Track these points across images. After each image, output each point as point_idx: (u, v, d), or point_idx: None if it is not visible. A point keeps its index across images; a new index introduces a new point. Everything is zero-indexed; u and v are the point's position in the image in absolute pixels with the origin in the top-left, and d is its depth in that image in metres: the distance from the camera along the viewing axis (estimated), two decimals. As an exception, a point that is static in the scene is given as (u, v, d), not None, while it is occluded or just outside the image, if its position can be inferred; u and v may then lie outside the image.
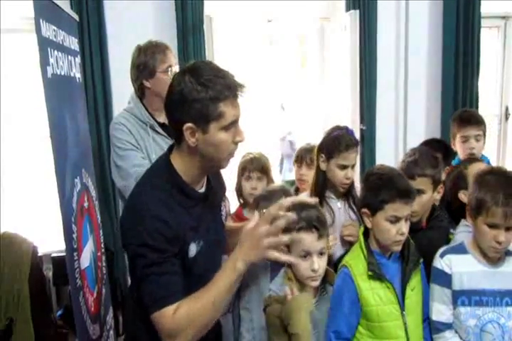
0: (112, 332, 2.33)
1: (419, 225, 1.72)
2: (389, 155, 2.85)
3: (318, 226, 1.39)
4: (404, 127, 3.06)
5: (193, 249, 1.20)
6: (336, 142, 1.80)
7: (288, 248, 1.39)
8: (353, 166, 1.82)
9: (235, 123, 1.16)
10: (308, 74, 3.17)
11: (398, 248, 1.46)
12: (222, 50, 2.86)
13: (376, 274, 1.43)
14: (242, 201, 2.12)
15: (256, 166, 2.05)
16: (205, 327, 1.14)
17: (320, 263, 1.39)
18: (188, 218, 1.19)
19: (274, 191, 1.78)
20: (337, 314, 1.44)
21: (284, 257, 1.15)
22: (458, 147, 2.31)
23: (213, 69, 1.15)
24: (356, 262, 1.47)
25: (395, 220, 1.42)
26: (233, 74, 1.17)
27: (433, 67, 3.11)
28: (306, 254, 1.39)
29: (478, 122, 2.27)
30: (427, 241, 1.62)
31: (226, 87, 1.12)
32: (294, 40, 4.34)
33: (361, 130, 2.94)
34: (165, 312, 1.11)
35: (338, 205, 1.85)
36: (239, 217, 2.09)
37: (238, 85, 1.15)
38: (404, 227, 1.43)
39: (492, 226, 1.42)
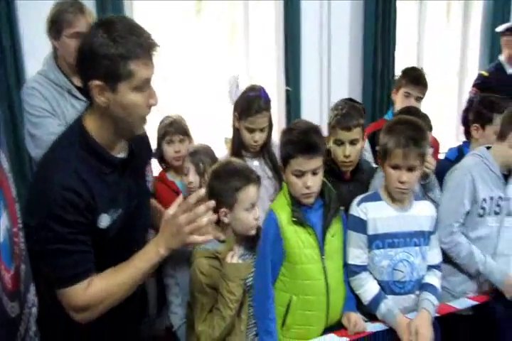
0: (34, 309, 2.23)
1: (345, 177, 1.80)
2: (314, 115, 2.89)
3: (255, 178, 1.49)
4: (328, 89, 3.12)
5: (105, 220, 1.15)
6: (246, 105, 1.81)
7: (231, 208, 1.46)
8: (262, 129, 1.83)
9: (147, 84, 1.11)
10: (235, 38, 3.11)
11: (308, 200, 1.51)
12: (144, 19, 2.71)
13: (299, 220, 1.49)
14: (164, 165, 2.08)
15: (177, 129, 1.99)
16: (116, 303, 1.13)
17: (255, 215, 1.48)
18: (102, 186, 1.13)
19: (197, 150, 1.82)
20: (263, 255, 1.50)
21: (203, 239, 1.12)
22: (398, 101, 2.42)
23: (128, 25, 1.09)
24: (282, 208, 1.53)
25: (301, 174, 1.47)
26: (150, 33, 1.10)
27: (354, 30, 3.18)
28: (252, 206, 1.47)
29: (423, 84, 2.39)
30: (348, 192, 1.69)
31: (139, 45, 1.06)
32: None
33: (287, 91, 2.96)
34: (75, 290, 1.09)
35: (254, 163, 1.88)
36: (163, 180, 2.05)
37: (152, 44, 1.09)
38: (311, 181, 1.47)
39: (395, 167, 1.51)
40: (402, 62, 3.26)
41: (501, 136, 1.71)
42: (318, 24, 3.10)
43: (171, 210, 1.11)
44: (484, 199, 1.68)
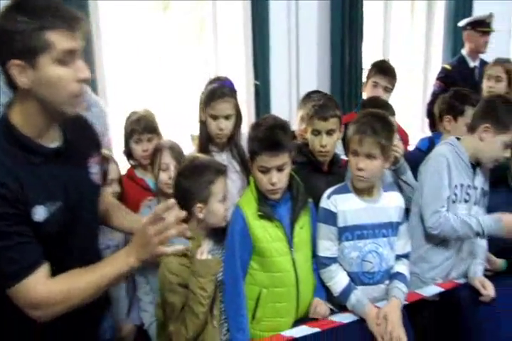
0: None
1: (323, 169, 1.82)
2: (283, 109, 2.90)
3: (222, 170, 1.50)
4: (297, 83, 3.13)
5: (41, 212, 1.06)
6: (209, 93, 1.82)
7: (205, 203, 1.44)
8: (227, 117, 1.83)
9: (71, 56, 1.02)
10: (203, 33, 3.07)
11: (274, 196, 1.52)
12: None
13: (265, 214, 1.50)
14: (132, 163, 2.03)
15: (145, 127, 1.93)
16: (76, 306, 1.07)
17: (227, 206, 1.50)
18: (32, 177, 1.05)
19: (174, 145, 1.80)
20: (231, 251, 1.50)
21: (172, 251, 1.10)
22: (366, 91, 2.49)
23: (44, 1, 1.01)
24: (248, 203, 1.53)
25: (266, 170, 1.48)
26: (71, 9, 1.03)
27: (321, 24, 3.20)
28: (224, 197, 1.49)
29: (390, 74, 2.44)
30: (326, 185, 1.69)
31: (56, 17, 0.99)
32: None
33: (255, 85, 2.96)
34: (25, 285, 1.02)
35: (222, 157, 1.87)
36: (131, 178, 2.00)
37: (73, 17, 1.02)
38: (275, 177, 1.47)
39: (354, 153, 1.54)
40: (369, 57, 3.31)
41: (471, 129, 1.75)
42: (286, 18, 3.10)
43: (143, 222, 1.07)
44: (456, 186, 1.71)
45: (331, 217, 1.58)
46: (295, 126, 2.17)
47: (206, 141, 1.88)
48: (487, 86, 2.73)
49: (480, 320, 1.68)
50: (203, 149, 1.86)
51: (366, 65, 3.25)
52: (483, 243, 1.79)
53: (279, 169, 1.48)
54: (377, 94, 2.38)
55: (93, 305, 1.11)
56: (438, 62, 3.67)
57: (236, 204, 1.55)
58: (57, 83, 1.02)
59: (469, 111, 1.98)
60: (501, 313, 1.68)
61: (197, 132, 1.94)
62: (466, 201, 1.73)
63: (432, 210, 1.67)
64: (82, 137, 1.22)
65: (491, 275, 1.75)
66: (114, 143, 2.20)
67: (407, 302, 1.59)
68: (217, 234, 1.53)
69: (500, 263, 1.80)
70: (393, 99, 2.54)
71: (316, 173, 1.80)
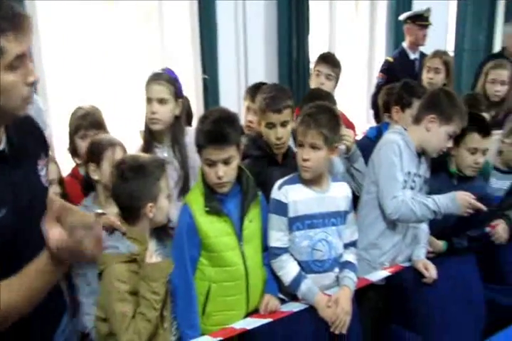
0: None
1: (277, 161, 1.82)
2: (232, 102, 2.90)
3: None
4: (245, 76, 3.14)
5: None
6: (147, 78, 1.80)
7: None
8: (161, 101, 1.77)
9: (21, 59, 0.96)
10: (149, 27, 2.99)
11: (222, 190, 1.51)
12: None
13: (212, 209, 1.49)
14: (77, 161, 1.95)
15: (91, 122, 1.86)
16: (12, 319, 0.96)
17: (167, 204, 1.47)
18: None
19: (112, 143, 1.71)
20: (180, 248, 1.48)
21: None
22: (311, 81, 2.54)
23: None
24: (196, 199, 1.51)
25: (212, 164, 1.47)
26: (13, 4, 0.96)
27: (268, 18, 3.22)
28: (170, 193, 1.47)
29: (332, 62, 2.48)
30: (281, 176, 1.69)
31: (4, 19, 0.92)
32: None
33: (204, 79, 2.93)
34: None
35: (163, 154, 1.82)
36: (76, 176, 1.93)
37: (19, 15, 0.95)
38: (222, 171, 1.46)
39: (300, 145, 1.56)
40: (316, 51, 3.37)
41: (417, 120, 1.81)
42: (233, 12, 3.10)
43: (56, 237, 0.93)
44: (405, 174, 1.76)
45: (282, 208, 1.59)
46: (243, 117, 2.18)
47: (150, 136, 1.82)
48: (427, 77, 2.85)
49: (424, 302, 1.77)
50: (146, 145, 1.82)
51: (314, 58, 3.33)
52: (424, 227, 1.87)
53: (226, 162, 1.46)
54: (320, 82, 2.43)
55: (48, 310, 1.05)
56: (381, 55, 3.79)
57: (183, 201, 1.53)
58: (9, 90, 0.96)
59: (416, 103, 2.04)
60: (444, 294, 1.78)
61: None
62: (412, 188, 1.79)
63: (390, 196, 1.71)
64: (29, 139, 1.16)
65: (434, 257, 1.83)
66: (55, 142, 2.12)
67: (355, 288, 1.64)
68: (158, 232, 1.49)
69: (441, 245, 1.88)
70: (339, 91, 2.62)
71: (272, 166, 1.80)
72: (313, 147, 1.54)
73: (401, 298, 1.78)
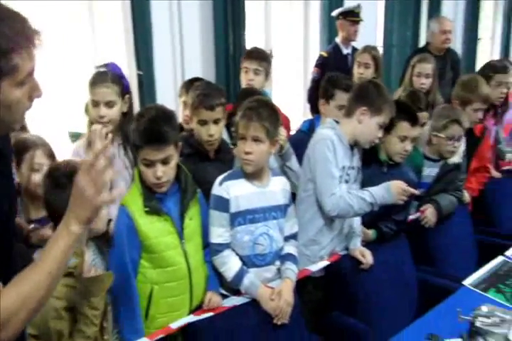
0: None
1: (209, 157, 1.82)
2: (169, 99, 2.85)
3: None
4: (182, 72, 3.09)
5: None
6: (91, 77, 1.74)
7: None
8: (108, 104, 1.73)
9: (30, 76, 0.93)
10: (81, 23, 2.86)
11: (160, 190, 1.48)
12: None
13: (152, 209, 1.45)
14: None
15: None
16: (40, 305, 0.93)
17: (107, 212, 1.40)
18: None
19: (31, 144, 1.62)
20: (120, 252, 1.44)
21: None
22: (241, 78, 2.51)
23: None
24: (134, 199, 1.47)
25: (150, 163, 1.43)
26: (26, 18, 0.91)
27: (204, 12, 3.18)
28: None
29: (258, 58, 2.46)
30: (214, 172, 1.69)
31: (17, 35, 0.88)
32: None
33: (138, 75, 2.86)
34: None
35: (111, 151, 1.76)
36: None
37: (34, 31, 0.91)
38: (160, 171, 1.43)
39: (241, 138, 1.56)
40: (253, 43, 3.39)
41: (349, 113, 1.83)
42: (168, 7, 3.03)
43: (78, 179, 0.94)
44: (340, 168, 1.80)
45: (223, 204, 1.59)
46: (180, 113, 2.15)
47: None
48: (357, 72, 2.96)
49: (361, 287, 1.85)
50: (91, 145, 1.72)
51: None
52: (357, 217, 1.93)
53: (164, 162, 1.44)
54: (249, 78, 2.42)
55: None
56: (316, 50, 3.87)
57: (120, 203, 1.48)
58: (15, 105, 0.92)
59: (339, 95, 2.10)
60: (379, 279, 1.87)
61: (74, 129, 1.82)
62: (346, 181, 1.84)
63: (328, 194, 1.73)
64: (5, 144, 1.09)
65: (364, 245, 1.91)
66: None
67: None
68: (96, 241, 1.44)
69: (370, 233, 1.96)
70: (276, 86, 2.66)
71: (204, 162, 1.80)
72: (256, 140, 1.55)
73: (340, 286, 1.85)
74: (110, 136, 1.64)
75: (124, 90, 1.79)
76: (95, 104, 1.72)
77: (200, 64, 3.23)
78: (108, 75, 1.73)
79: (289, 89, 4.01)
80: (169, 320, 1.49)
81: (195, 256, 1.56)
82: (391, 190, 1.72)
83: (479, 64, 5.20)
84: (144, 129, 1.43)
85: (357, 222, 1.93)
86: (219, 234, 1.60)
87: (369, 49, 2.98)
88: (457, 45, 4.99)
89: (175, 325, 1.45)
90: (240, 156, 1.59)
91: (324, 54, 3.44)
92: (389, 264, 1.93)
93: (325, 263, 1.82)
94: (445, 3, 4.83)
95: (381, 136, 1.85)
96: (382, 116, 1.79)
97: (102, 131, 1.61)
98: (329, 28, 3.82)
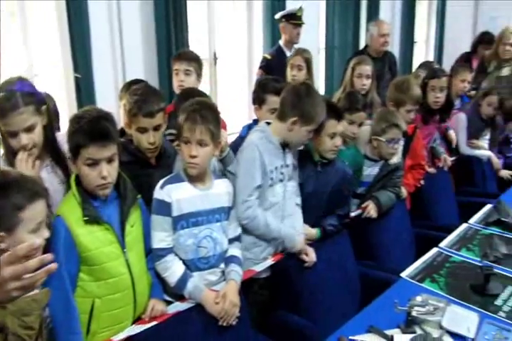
0: None
1: (151, 163, 1.78)
2: (110, 102, 2.78)
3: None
4: (123, 74, 3.02)
5: None
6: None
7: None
8: (27, 129, 1.51)
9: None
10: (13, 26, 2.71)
11: (104, 191, 1.44)
12: None
13: (92, 218, 1.40)
14: None
15: None
16: None
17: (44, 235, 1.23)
18: None
19: None
20: (57, 268, 1.36)
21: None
22: (173, 80, 2.49)
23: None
24: (71, 209, 1.41)
25: (94, 163, 1.39)
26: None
27: (145, 14, 3.14)
28: (39, 226, 1.21)
29: (187, 58, 2.45)
30: (157, 177, 1.66)
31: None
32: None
33: (76, 78, 2.76)
34: None
35: (43, 177, 1.59)
36: None
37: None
38: (106, 170, 1.39)
39: (186, 142, 1.55)
40: (196, 49, 3.38)
41: (280, 117, 1.83)
42: (106, 8, 2.96)
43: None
44: (271, 171, 1.82)
45: (165, 208, 1.57)
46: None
47: (12, 156, 1.55)
48: (290, 74, 3.01)
49: (306, 285, 1.89)
50: (10, 163, 1.55)
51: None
52: (299, 215, 1.98)
53: (109, 161, 1.40)
54: (180, 79, 2.40)
55: None
56: (260, 52, 3.91)
57: (56, 214, 1.41)
58: None
59: (269, 99, 2.12)
60: (323, 275, 1.92)
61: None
62: (281, 180, 1.86)
63: (241, 199, 1.75)
64: None
65: (309, 243, 1.95)
66: None
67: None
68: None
69: (314, 232, 2.00)
70: (221, 89, 2.66)
71: (146, 169, 1.75)
72: (201, 143, 1.54)
73: (285, 285, 1.88)
74: (38, 163, 1.53)
75: (40, 103, 1.58)
76: (12, 134, 1.51)
77: (142, 66, 3.18)
78: (18, 99, 1.49)
79: (233, 92, 4.02)
80: (112, 333, 1.44)
81: (138, 265, 1.52)
82: (298, 239, 1.87)
83: (415, 66, 5.48)
84: (88, 127, 1.38)
85: (299, 221, 1.97)
86: (161, 239, 1.58)
87: (301, 51, 3.05)
88: (395, 47, 5.22)
89: (117, 338, 1.41)
90: (184, 159, 1.57)
91: (268, 56, 3.49)
92: (332, 261, 1.98)
93: (269, 262, 1.84)
94: (383, 7, 5.03)
95: (310, 137, 1.86)
96: (312, 125, 1.80)
97: (28, 164, 1.50)
98: (272, 30, 3.87)
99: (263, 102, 2.16)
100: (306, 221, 1.99)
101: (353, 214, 2.25)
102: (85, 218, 1.40)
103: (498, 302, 1.66)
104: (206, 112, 1.57)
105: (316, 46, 4.44)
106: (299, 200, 1.99)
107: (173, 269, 1.57)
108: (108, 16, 2.97)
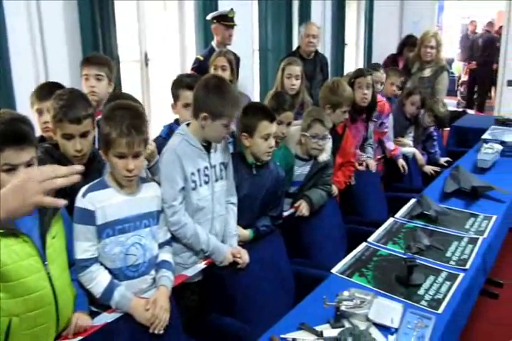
0: None
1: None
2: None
3: None
4: (46, 80, 2.87)
5: None
6: None
7: None
8: None
9: None
10: None
11: None
12: None
13: (9, 230, 1.30)
14: None
15: None
16: None
17: None
18: None
19: None
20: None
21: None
22: (82, 85, 2.33)
23: None
24: None
25: (11, 169, 1.30)
26: None
27: (68, 18, 3.00)
28: None
29: (98, 63, 2.31)
30: (88, 183, 1.58)
31: None
32: None
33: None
34: None
35: None
36: None
37: None
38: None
39: (121, 156, 1.51)
40: (126, 51, 3.28)
41: (195, 115, 1.79)
42: (25, 10, 2.80)
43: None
44: (193, 173, 1.79)
45: (88, 216, 1.50)
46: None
47: None
48: None
49: (240, 286, 1.89)
50: None
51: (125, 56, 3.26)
52: (233, 214, 1.97)
53: (28, 165, 1.31)
54: (91, 85, 2.28)
55: None
56: (193, 53, 3.88)
57: None
58: None
59: (182, 94, 2.13)
60: (257, 275, 1.93)
61: None
62: (206, 182, 1.84)
63: (167, 204, 1.73)
64: None
65: (242, 245, 1.96)
66: None
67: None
68: None
69: (247, 233, 2.02)
70: (155, 91, 2.60)
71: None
72: (137, 155, 1.52)
73: (218, 288, 1.87)
74: None
75: None
76: None
77: (67, 69, 3.03)
78: None
79: (166, 93, 3.94)
80: (32, 353, 1.35)
81: (60, 278, 1.43)
82: (227, 250, 1.86)
83: (346, 67, 5.69)
84: (3, 130, 1.29)
85: (232, 221, 1.97)
86: (85, 249, 1.52)
87: (223, 53, 3.06)
88: (326, 49, 5.39)
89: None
90: (120, 173, 1.53)
91: (200, 57, 3.46)
92: (265, 261, 2.00)
93: (201, 266, 1.83)
94: (314, 10, 5.16)
95: (230, 131, 1.85)
96: (224, 119, 1.74)
97: None
98: (205, 31, 3.85)
99: (177, 98, 2.15)
100: (239, 223, 1.99)
101: (285, 213, 2.29)
102: (0, 231, 1.30)
103: (421, 291, 1.75)
104: (138, 121, 1.53)
105: (251, 47, 4.48)
106: (233, 199, 1.99)
107: (98, 279, 1.52)
108: (27, 17, 2.80)
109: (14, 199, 0.91)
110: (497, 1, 6.88)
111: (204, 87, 1.77)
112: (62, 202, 0.98)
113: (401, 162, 3.38)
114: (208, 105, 1.74)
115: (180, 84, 2.15)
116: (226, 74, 2.97)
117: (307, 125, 2.40)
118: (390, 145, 3.43)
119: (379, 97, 3.33)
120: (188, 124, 1.85)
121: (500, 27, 7.18)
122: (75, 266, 1.53)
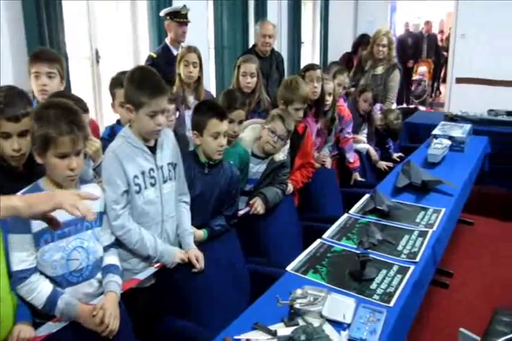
0: None
1: (18, 171, 1.63)
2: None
3: None
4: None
5: None
6: None
7: None
8: None
9: None
10: None
11: None
12: None
13: None
14: None
15: None
16: None
17: None
18: None
19: None
20: None
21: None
22: (32, 84, 2.20)
23: None
24: None
25: None
26: None
27: (13, 14, 2.85)
28: None
29: (49, 60, 2.19)
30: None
31: None
32: None
33: None
34: None
35: None
36: None
37: None
38: None
39: (63, 156, 1.44)
40: (76, 50, 3.16)
41: (130, 110, 1.71)
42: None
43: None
44: (136, 176, 1.72)
45: (22, 224, 1.41)
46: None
47: None
48: (187, 71, 2.96)
49: (194, 288, 1.85)
50: None
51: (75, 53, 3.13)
52: (186, 214, 1.93)
53: None
54: (42, 83, 2.15)
55: None
56: (146, 50, 3.78)
57: None
58: None
59: (118, 92, 2.07)
60: (211, 276, 1.90)
61: None
62: (152, 185, 1.78)
63: (110, 207, 1.68)
64: None
65: (197, 245, 1.92)
66: None
67: (121, 291, 1.60)
68: None
69: (201, 233, 1.99)
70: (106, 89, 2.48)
71: (11, 178, 1.59)
72: (78, 153, 1.47)
73: (172, 290, 1.83)
74: None
75: None
76: None
77: (10, 67, 2.87)
78: None
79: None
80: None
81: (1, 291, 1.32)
82: (175, 255, 1.81)
83: (303, 65, 5.72)
84: None
85: (186, 220, 1.93)
86: (22, 260, 1.43)
87: (193, 49, 3.01)
88: (283, 47, 5.40)
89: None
90: (62, 173, 1.46)
91: (154, 55, 3.38)
92: (220, 261, 1.97)
93: (152, 270, 1.77)
94: (270, 7, 5.17)
95: (160, 122, 1.71)
96: (145, 107, 1.66)
97: None
98: (158, 28, 3.76)
99: (114, 96, 2.11)
100: (193, 223, 1.95)
101: (241, 212, 2.27)
102: None
103: (373, 286, 1.77)
104: (76, 118, 1.47)
105: (206, 45, 4.42)
106: (186, 198, 1.95)
107: (38, 290, 1.44)
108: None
109: (39, 196, 1.11)
110: (447, 2, 7.15)
111: (127, 79, 1.71)
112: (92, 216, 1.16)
113: (356, 175, 3.42)
114: (128, 96, 1.70)
115: (116, 82, 2.09)
116: (196, 71, 2.93)
117: (270, 118, 2.43)
118: (351, 156, 3.43)
119: (340, 102, 3.37)
120: (131, 126, 1.79)
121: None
122: (13, 279, 1.43)
